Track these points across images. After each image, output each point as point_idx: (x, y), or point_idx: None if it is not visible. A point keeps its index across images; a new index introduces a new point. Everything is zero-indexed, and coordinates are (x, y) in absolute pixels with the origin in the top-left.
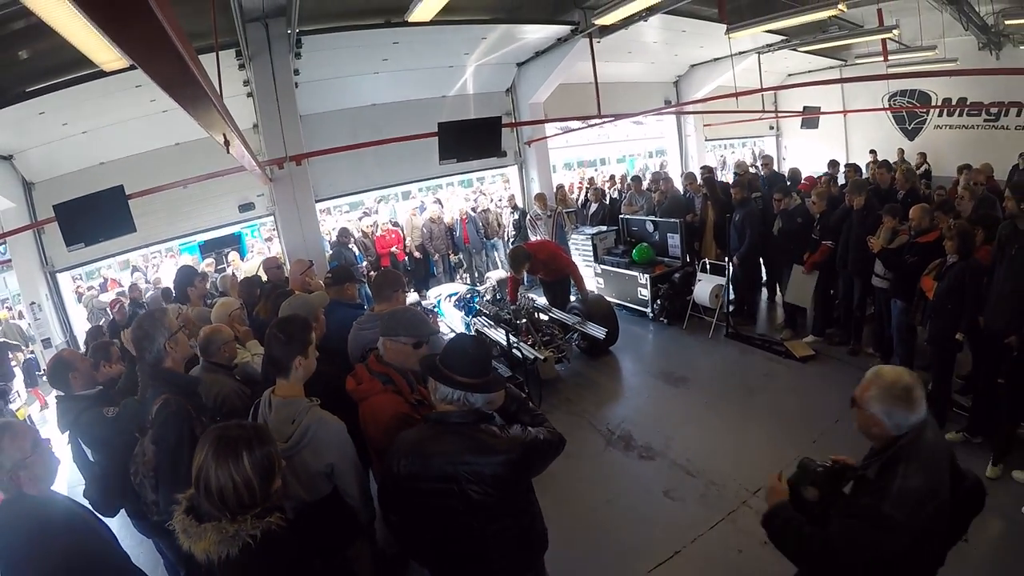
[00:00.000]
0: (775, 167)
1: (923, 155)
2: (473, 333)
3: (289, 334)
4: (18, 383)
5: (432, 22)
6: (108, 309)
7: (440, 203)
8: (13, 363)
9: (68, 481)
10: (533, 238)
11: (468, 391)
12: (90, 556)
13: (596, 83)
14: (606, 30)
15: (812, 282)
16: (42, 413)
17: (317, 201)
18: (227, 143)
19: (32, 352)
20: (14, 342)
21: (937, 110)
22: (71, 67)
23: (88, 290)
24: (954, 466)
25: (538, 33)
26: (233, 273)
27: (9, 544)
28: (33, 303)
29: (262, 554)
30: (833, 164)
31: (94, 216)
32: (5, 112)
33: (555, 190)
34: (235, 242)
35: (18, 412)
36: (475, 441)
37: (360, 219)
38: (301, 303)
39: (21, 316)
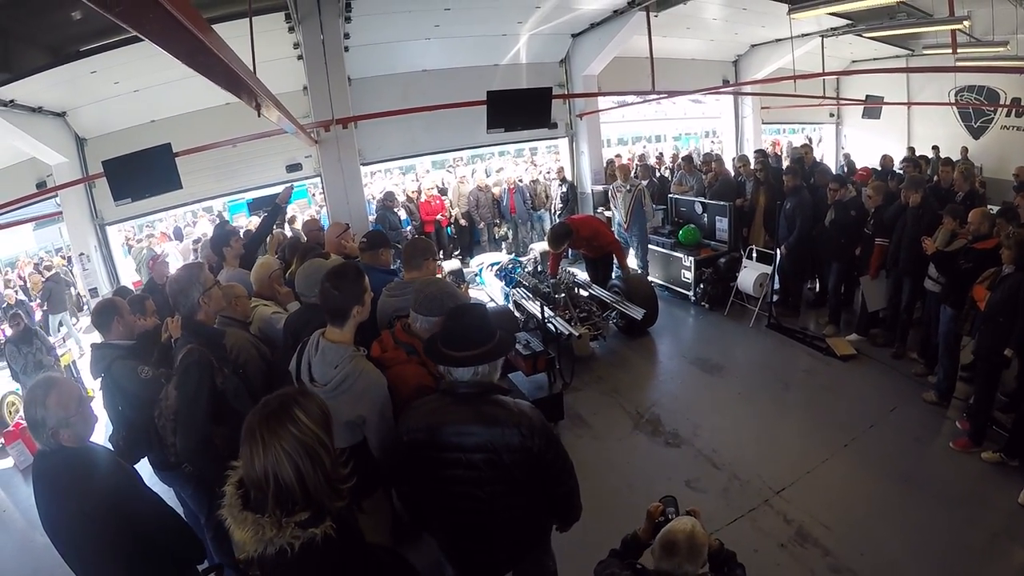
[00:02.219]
0: (832, 156)
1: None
2: (510, 304)
3: (340, 287)
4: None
5: None
6: (148, 266)
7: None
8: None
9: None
10: (608, 212)
11: (451, 365)
12: (125, 501)
13: (652, 58)
14: (664, 4)
15: (883, 284)
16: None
17: (364, 164)
18: (258, 107)
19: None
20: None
21: (1005, 110)
22: (123, 28)
23: (137, 242)
24: None
25: (593, 4)
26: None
27: (48, 492)
28: (82, 254)
29: (295, 565)
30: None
31: (141, 172)
32: (59, 71)
33: (605, 165)
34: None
35: (63, 357)
36: (481, 412)
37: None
38: (314, 268)
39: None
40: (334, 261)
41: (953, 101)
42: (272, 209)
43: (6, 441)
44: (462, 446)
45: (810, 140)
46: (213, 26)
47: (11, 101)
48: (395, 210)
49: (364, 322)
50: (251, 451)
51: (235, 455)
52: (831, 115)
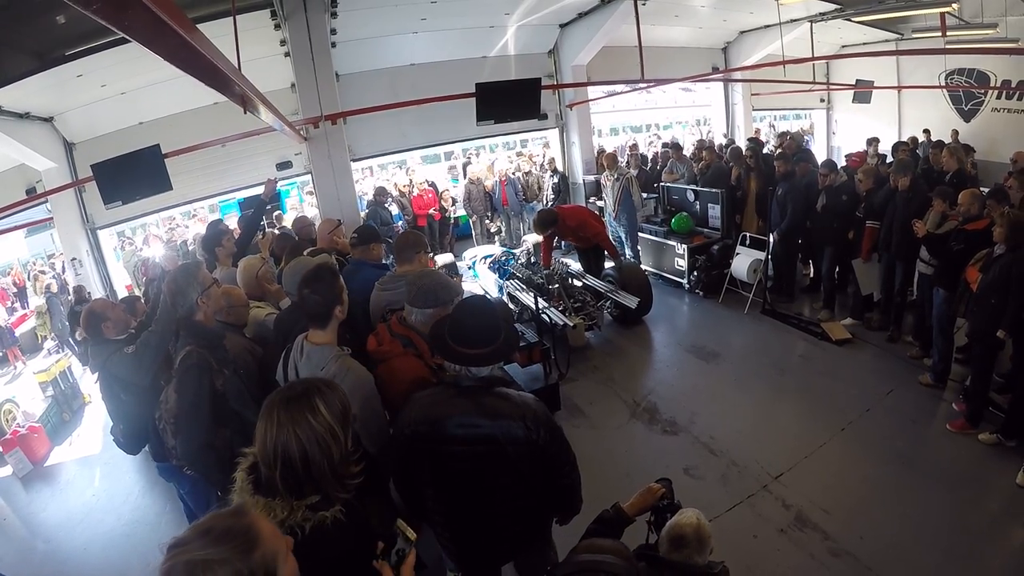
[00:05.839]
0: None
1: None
2: (504, 296)
3: (318, 291)
4: None
5: None
6: (139, 268)
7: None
8: None
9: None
10: (599, 202)
11: (468, 364)
12: None
13: (640, 46)
14: None
15: (876, 267)
16: None
17: (354, 160)
18: (245, 103)
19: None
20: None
21: (995, 92)
22: (107, 30)
23: (129, 245)
24: None
25: None
26: (264, 232)
27: None
28: (74, 259)
29: (305, 546)
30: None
31: (131, 175)
32: (45, 76)
33: (596, 155)
34: (275, 199)
35: (59, 363)
36: (486, 405)
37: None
38: (301, 266)
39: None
40: (323, 259)
41: (943, 84)
42: (257, 206)
43: (4, 449)
44: (465, 439)
45: (773, 128)
46: (198, 26)
47: None
48: (386, 205)
49: (357, 317)
50: (265, 429)
51: (236, 456)
52: (821, 100)
